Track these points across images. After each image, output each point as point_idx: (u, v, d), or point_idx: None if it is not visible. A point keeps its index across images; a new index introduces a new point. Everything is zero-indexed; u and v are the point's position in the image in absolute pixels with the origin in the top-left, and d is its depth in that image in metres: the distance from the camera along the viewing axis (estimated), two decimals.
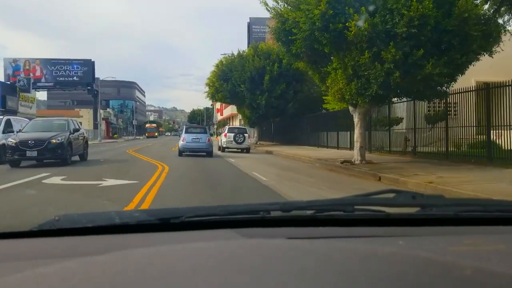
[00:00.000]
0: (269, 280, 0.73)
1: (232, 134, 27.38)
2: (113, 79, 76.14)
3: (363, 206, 1.62)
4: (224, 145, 27.64)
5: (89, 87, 74.89)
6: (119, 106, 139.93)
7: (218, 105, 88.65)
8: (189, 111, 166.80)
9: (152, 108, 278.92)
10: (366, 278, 0.75)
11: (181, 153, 22.01)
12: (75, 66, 74.57)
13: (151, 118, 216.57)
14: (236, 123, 66.87)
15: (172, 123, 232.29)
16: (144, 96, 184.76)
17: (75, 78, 73.69)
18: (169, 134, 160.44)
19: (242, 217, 1.56)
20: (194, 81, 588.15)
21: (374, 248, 0.95)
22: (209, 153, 21.82)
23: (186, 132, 22.87)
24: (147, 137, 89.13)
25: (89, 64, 71.42)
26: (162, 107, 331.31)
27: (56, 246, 1.36)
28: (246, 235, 1.40)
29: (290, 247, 0.98)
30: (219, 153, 25.96)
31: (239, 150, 26.97)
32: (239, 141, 26.99)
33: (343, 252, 0.92)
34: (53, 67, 73.97)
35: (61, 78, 73.05)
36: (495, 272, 0.82)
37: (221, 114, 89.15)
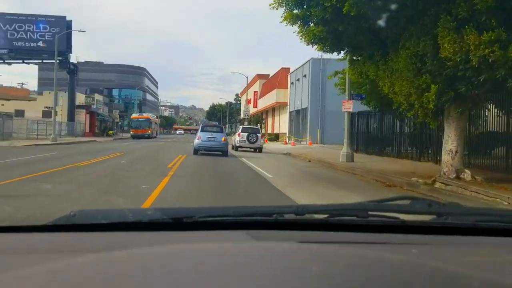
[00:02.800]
0: (274, 284, 0.76)
1: (246, 134, 28.31)
2: (82, 31, 48.77)
3: (377, 212, 1.56)
4: (238, 144, 28.36)
5: (61, 58, 50.49)
6: (124, 97, 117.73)
7: (251, 94, 64.37)
8: (208, 110, 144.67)
9: (169, 104, 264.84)
10: (371, 285, 0.78)
11: (196, 151, 21.76)
12: (41, 26, 50.23)
13: (166, 114, 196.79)
14: (284, 118, 53.70)
15: (188, 119, 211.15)
16: (157, 86, 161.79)
17: (40, 43, 49.45)
18: (182, 132, 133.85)
19: (255, 218, 1.55)
20: (215, 80, 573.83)
21: (383, 255, 0.99)
22: (224, 153, 21.83)
23: (202, 131, 22.82)
24: (133, 136, 53.62)
25: (62, 24, 47.45)
26: (181, 105, 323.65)
27: (71, 241, 1.37)
28: (258, 237, 1.39)
29: (300, 251, 1.02)
30: (233, 152, 25.92)
31: (252, 149, 27.80)
32: (252, 140, 27.88)
33: (351, 258, 0.95)
34: (8, 26, 49.68)
35: (19, 43, 49.04)
36: (505, 285, 0.82)
37: (255, 106, 64.71)
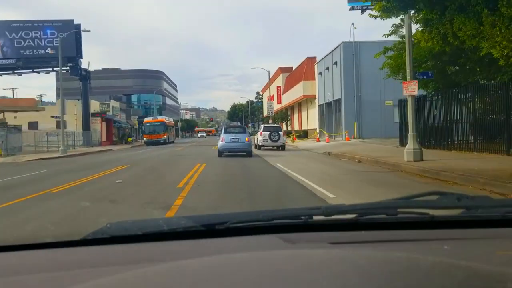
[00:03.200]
0: None
1: (268, 133, 28.39)
2: (87, 30, 45.93)
3: (406, 209, 1.56)
4: (260, 143, 28.40)
5: (71, 64, 47.71)
6: (144, 103, 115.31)
7: (274, 90, 60.94)
8: (229, 110, 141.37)
9: (190, 107, 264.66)
10: None
11: (220, 153, 21.56)
12: (48, 32, 47.45)
13: (187, 117, 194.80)
14: (312, 112, 49.91)
15: (210, 121, 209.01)
16: (176, 90, 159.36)
17: (48, 50, 46.68)
18: (204, 134, 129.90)
19: (285, 221, 1.54)
20: (233, 81, 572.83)
21: (417, 258, 1.00)
22: (248, 153, 21.45)
23: (225, 132, 22.44)
24: (146, 142, 48.96)
25: (70, 27, 44.34)
26: (202, 108, 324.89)
27: (111, 254, 1.38)
28: (289, 240, 1.40)
29: (331, 257, 1.04)
30: (256, 151, 25.36)
31: (275, 147, 28.01)
32: (274, 139, 27.91)
33: (385, 265, 0.94)
34: (14, 34, 47.09)
35: (27, 51, 46.34)
36: None
37: (279, 102, 61.05)
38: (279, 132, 28.29)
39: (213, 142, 42.36)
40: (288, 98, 57.47)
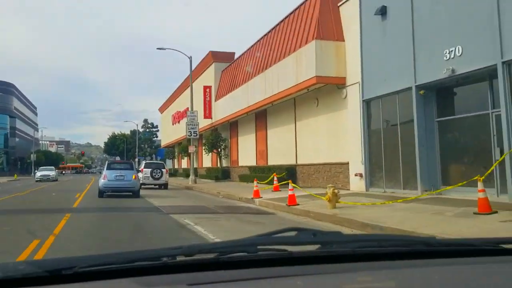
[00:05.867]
0: None
1: (149, 170, 27.26)
2: None
3: (266, 246, 1.57)
4: (141, 181, 24.64)
5: None
6: None
7: (199, 93, 32.23)
8: (106, 141, 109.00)
9: (58, 139, 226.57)
10: None
11: (102, 193, 19.26)
12: None
13: (51, 149, 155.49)
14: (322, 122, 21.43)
15: (81, 155, 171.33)
16: (35, 113, 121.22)
17: None
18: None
19: (142, 264, 1.45)
20: (112, 116, 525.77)
21: None
22: (135, 193, 19.55)
23: (108, 169, 20.15)
24: None
25: None
26: (75, 143, 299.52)
27: None
28: (146, 284, 1.31)
29: None
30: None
31: (156, 186, 27.07)
32: (156, 176, 26.97)
33: None
34: None
35: None
36: None
37: (208, 115, 32.18)
38: (162, 169, 27.52)
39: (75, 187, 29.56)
40: (237, 103, 29.12)
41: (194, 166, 32.92)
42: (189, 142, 47.05)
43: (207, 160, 40.35)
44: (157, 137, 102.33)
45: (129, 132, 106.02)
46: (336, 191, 12.29)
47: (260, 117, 27.66)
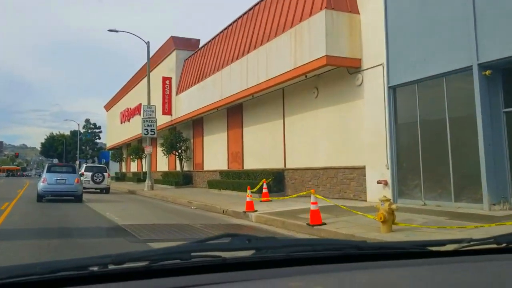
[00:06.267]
0: None
1: (90, 173, 25.89)
2: None
3: (200, 252, 1.51)
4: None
5: None
6: None
7: (158, 84, 27.64)
8: (43, 142, 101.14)
9: None
10: None
11: (41, 197, 17.93)
12: None
13: None
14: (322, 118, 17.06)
15: (15, 156, 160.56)
16: None
17: None
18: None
19: (67, 274, 1.33)
20: (49, 117, 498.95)
21: None
22: (77, 197, 18.48)
23: (48, 172, 18.90)
24: None
25: None
26: (9, 144, 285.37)
27: None
28: None
29: None
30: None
31: (98, 190, 25.68)
32: (97, 180, 25.76)
33: None
34: None
35: None
36: None
37: (167, 111, 27.44)
38: (104, 173, 25.95)
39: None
40: (205, 96, 24.74)
41: (150, 170, 28.16)
42: (139, 143, 42.29)
43: (162, 164, 35.51)
44: (100, 138, 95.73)
45: (69, 133, 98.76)
46: (393, 206, 8.42)
47: (234, 112, 23.43)
